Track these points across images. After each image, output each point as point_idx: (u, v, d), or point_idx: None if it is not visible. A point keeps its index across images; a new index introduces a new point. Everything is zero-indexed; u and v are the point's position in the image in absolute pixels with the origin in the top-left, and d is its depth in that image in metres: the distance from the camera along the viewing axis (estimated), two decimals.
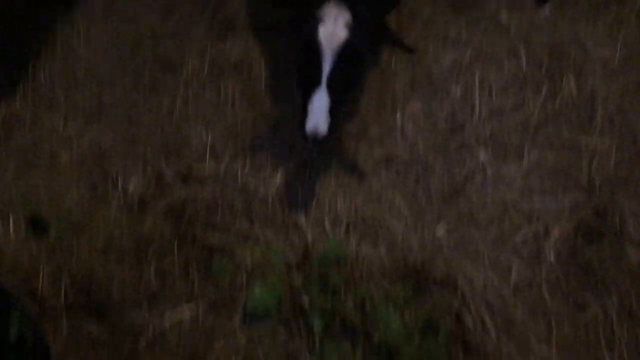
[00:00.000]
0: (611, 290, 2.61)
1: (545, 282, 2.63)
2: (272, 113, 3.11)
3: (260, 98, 3.14)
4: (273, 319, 2.49)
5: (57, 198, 2.83)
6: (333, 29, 2.43)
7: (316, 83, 2.42)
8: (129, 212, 2.81)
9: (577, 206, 2.82)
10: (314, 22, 2.45)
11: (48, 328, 2.43)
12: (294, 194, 2.90)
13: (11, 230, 2.73)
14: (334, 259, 2.48)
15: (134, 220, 2.79)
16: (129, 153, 2.97)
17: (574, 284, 2.63)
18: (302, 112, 2.48)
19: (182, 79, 3.19)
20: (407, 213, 2.83)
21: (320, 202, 2.88)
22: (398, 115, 3.01)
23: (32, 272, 2.60)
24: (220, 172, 2.93)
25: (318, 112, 2.42)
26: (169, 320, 2.50)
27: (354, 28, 2.46)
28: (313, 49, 2.43)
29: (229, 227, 2.76)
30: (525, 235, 2.76)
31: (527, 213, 2.86)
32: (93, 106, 3.12)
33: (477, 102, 3.04)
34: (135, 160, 2.96)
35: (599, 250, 2.69)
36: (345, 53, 2.43)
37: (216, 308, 2.56)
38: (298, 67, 2.59)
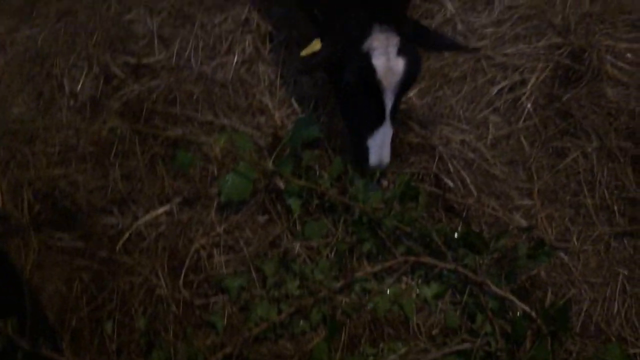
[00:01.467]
0: (589, 133, 2.54)
1: (523, 131, 2.55)
2: None
3: None
4: (249, 206, 2.41)
5: (2, 109, 2.63)
6: (389, 62, 2.00)
7: (378, 120, 2.09)
8: (82, 114, 2.63)
9: (553, 50, 2.69)
10: (364, 58, 2.01)
11: (17, 245, 2.33)
12: (255, 75, 2.72)
13: None
14: (305, 137, 2.35)
15: (89, 122, 2.61)
16: (70, 51, 2.73)
17: (553, 131, 2.56)
18: (359, 148, 2.18)
19: None
20: None
21: (285, 81, 2.71)
22: None
23: None
24: (172, 60, 2.72)
25: (382, 147, 2.13)
26: (144, 222, 2.41)
27: (408, 50, 2.03)
28: (371, 89, 2.04)
29: (190, 118, 2.61)
30: (500, 88, 2.65)
31: (502, 64, 2.72)
32: (20, 3, 2.82)
33: None
34: (78, 58, 2.72)
35: (577, 93, 2.59)
36: (406, 81, 2.05)
37: (190, 203, 2.47)
38: (349, 107, 2.19)
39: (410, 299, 2.24)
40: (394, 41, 2.01)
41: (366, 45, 2.01)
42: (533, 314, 2.05)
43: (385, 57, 2.00)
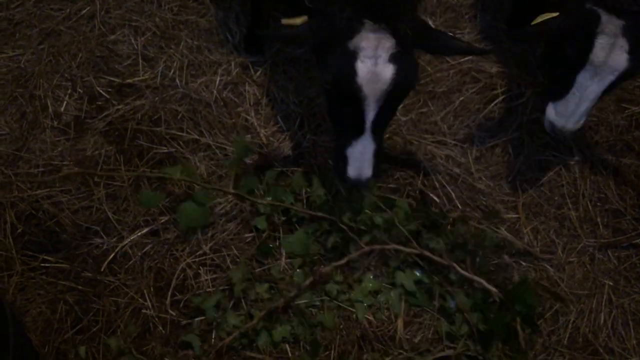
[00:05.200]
0: (571, 146, 2.58)
1: (507, 145, 2.58)
2: (206, 6, 2.86)
3: None
4: (236, 224, 2.40)
5: None
6: (375, 67, 1.74)
7: (358, 130, 1.86)
8: (66, 135, 2.61)
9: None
10: (348, 57, 1.75)
11: (0, 267, 2.30)
12: (240, 94, 2.73)
13: None
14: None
15: (73, 142, 2.60)
16: (53, 71, 2.72)
17: (536, 144, 2.59)
18: (339, 155, 1.96)
19: None
20: None
21: (271, 99, 2.72)
22: None
23: None
24: (157, 80, 2.72)
25: (362, 159, 1.91)
26: (129, 242, 2.39)
27: (402, 56, 1.76)
28: (350, 94, 1.79)
29: (175, 137, 2.60)
30: (485, 102, 2.68)
31: (489, 79, 2.75)
32: (3, 25, 2.82)
33: None
34: (61, 78, 2.72)
35: None
36: (394, 93, 1.79)
37: (176, 222, 2.45)
38: (330, 107, 1.99)
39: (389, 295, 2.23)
40: (386, 44, 1.75)
41: (353, 43, 1.76)
42: (497, 292, 2.07)
43: (372, 61, 1.74)
